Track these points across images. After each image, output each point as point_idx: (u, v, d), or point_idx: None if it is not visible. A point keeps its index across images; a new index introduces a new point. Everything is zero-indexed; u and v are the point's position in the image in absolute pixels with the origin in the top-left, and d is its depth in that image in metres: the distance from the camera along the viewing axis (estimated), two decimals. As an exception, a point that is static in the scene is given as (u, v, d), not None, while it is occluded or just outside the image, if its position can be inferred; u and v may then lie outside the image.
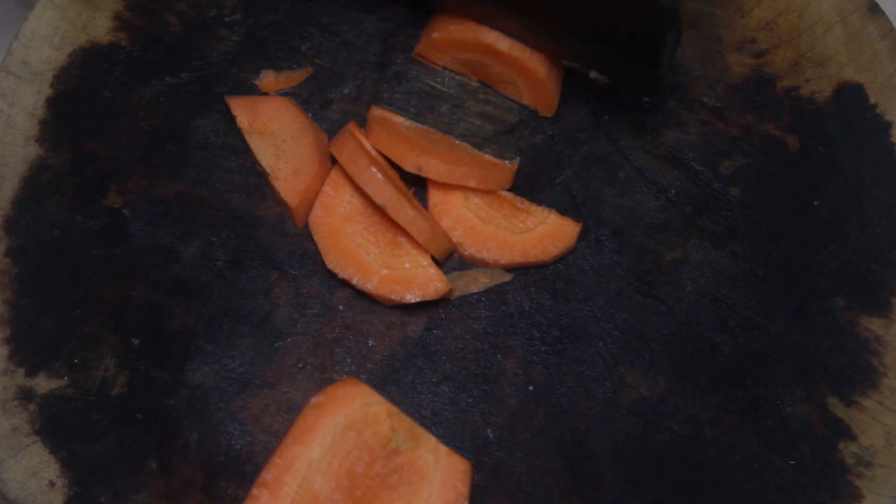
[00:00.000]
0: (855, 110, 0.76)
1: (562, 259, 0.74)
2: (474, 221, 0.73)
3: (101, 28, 0.78)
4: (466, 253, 0.73)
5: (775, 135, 0.77)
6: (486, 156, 0.75)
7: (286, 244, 0.74)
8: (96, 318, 0.71)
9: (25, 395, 0.68)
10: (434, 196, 0.74)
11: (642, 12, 0.66)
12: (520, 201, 0.75)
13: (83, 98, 0.76)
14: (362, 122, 0.77)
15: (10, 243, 0.72)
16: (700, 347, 0.71)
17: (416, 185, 0.75)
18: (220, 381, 0.70)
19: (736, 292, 0.73)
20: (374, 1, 0.81)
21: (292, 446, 0.64)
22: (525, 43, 0.75)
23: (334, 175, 0.74)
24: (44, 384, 0.68)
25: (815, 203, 0.75)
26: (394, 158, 0.73)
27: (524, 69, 0.75)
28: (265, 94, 0.78)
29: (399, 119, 0.76)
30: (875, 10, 0.77)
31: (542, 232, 0.73)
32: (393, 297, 0.70)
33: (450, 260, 0.74)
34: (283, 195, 0.73)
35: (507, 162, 0.76)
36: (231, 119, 0.76)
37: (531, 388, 0.70)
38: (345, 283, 0.72)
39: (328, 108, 0.78)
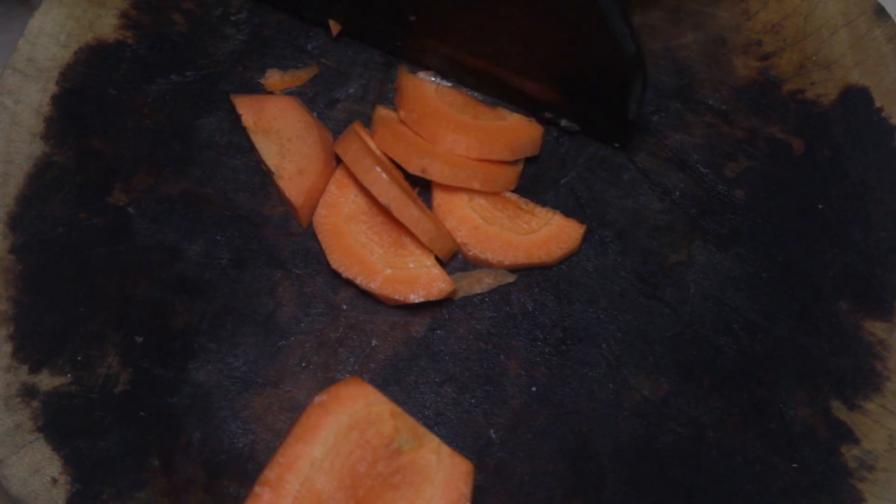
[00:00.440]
0: (860, 114, 0.76)
1: (566, 260, 0.74)
2: (478, 222, 0.73)
3: (107, 26, 0.78)
4: (470, 253, 0.73)
5: (780, 138, 0.77)
6: (492, 157, 0.75)
7: (290, 243, 0.74)
8: (100, 316, 0.71)
9: (28, 392, 0.68)
10: (438, 196, 0.74)
11: (608, 62, 0.67)
12: (524, 202, 0.75)
13: (89, 96, 0.76)
14: (367, 122, 0.77)
15: (15, 240, 0.72)
16: (703, 350, 0.71)
17: (421, 186, 0.75)
18: (223, 379, 0.70)
19: (740, 295, 0.73)
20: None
21: (295, 445, 0.64)
22: (497, 96, 0.77)
23: (339, 174, 0.74)
24: (47, 381, 0.68)
25: (820, 206, 0.75)
26: (398, 160, 0.73)
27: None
28: (270, 93, 0.78)
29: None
30: (881, 14, 0.77)
31: (546, 233, 0.73)
32: (397, 297, 0.70)
33: (454, 260, 0.74)
34: (287, 194, 0.73)
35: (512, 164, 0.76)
36: (236, 118, 0.76)
37: (534, 389, 0.70)
38: (348, 283, 0.72)
39: (333, 108, 0.78)
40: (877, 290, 0.72)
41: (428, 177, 0.72)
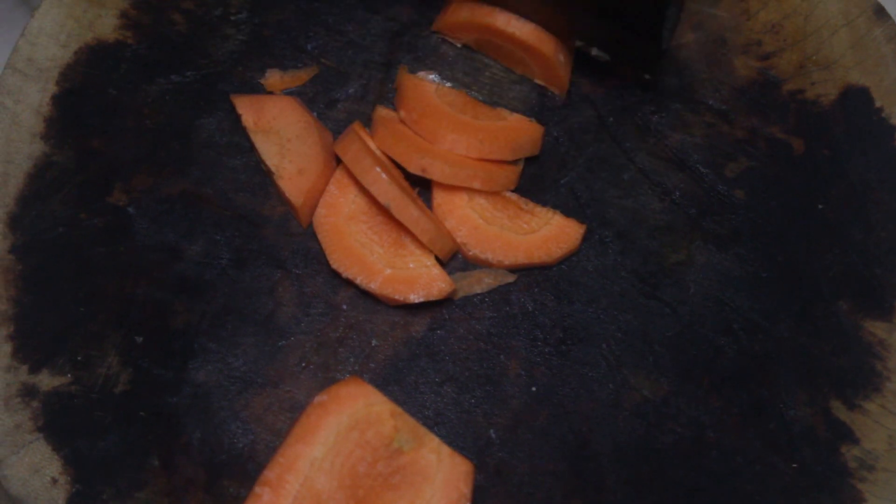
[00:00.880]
0: (860, 114, 0.76)
1: (566, 260, 0.74)
2: (478, 222, 0.73)
3: (107, 26, 0.78)
4: (470, 253, 0.73)
5: (780, 138, 0.77)
6: (492, 155, 0.75)
7: (290, 243, 0.74)
8: (100, 316, 0.71)
9: (28, 392, 0.68)
10: (438, 196, 0.74)
11: None
12: (524, 202, 0.75)
13: (89, 96, 0.76)
14: (367, 122, 0.77)
15: (15, 240, 0.72)
16: (703, 350, 0.71)
17: (421, 186, 0.75)
18: (223, 379, 0.70)
19: (740, 295, 0.73)
20: (381, 1, 0.81)
21: (295, 445, 0.64)
22: (531, 19, 0.76)
23: (339, 174, 0.74)
24: (47, 381, 0.68)
25: (820, 206, 0.75)
26: (398, 160, 0.73)
27: (533, 50, 0.76)
28: (270, 93, 0.78)
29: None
30: (881, 14, 0.77)
31: (547, 233, 0.73)
32: (396, 297, 0.70)
33: (454, 260, 0.74)
34: (287, 194, 0.73)
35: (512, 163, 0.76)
36: (236, 118, 0.76)
37: (534, 389, 0.70)
38: (348, 283, 0.72)
39: (333, 108, 0.78)
40: (877, 290, 0.72)
41: (428, 176, 0.72)
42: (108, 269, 0.72)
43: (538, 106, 0.78)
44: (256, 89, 0.78)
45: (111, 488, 0.66)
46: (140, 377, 0.69)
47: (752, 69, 0.79)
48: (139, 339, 0.70)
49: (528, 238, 0.73)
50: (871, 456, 0.68)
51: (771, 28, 0.80)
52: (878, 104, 0.77)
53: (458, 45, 0.80)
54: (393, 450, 0.65)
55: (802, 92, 0.78)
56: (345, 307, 0.72)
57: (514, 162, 0.76)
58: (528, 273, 0.73)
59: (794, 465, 0.68)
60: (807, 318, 0.72)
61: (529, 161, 0.77)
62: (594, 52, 0.76)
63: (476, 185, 0.73)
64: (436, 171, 0.72)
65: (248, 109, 0.76)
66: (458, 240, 0.73)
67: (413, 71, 0.78)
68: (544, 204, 0.75)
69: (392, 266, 0.71)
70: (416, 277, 0.71)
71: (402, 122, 0.75)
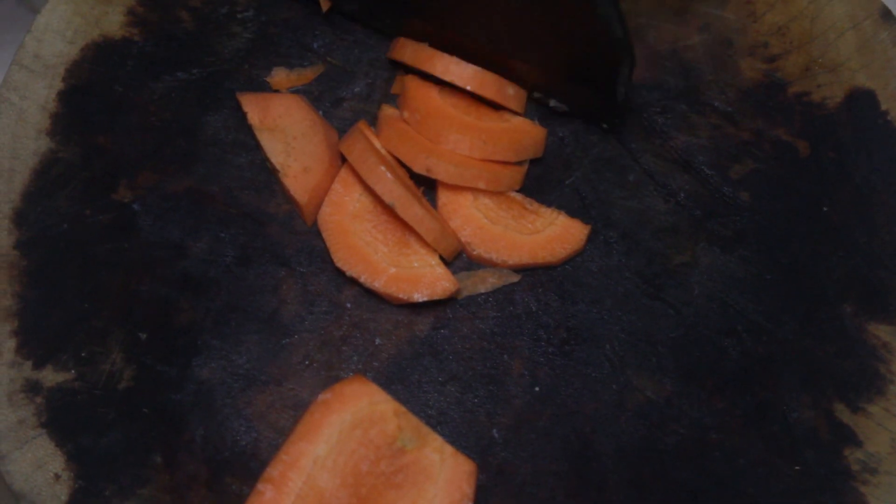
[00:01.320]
0: (866, 116, 0.76)
1: (570, 261, 0.74)
2: (483, 222, 0.73)
3: (113, 23, 0.78)
4: (475, 253, 0.73)
5: (786, 140, 0.77)
6: (497, 156, 0.75)
7: (295, 241, 0.74)
8: (104, 312, 0.71)
9: (32, 388, 0.68)
10: (443, 196, 0.74)
11: (596, 44, 0.67)
12: (529, 202, 0.75)
13: (95, 92, 0.76)
14: (373, 121, 0.77)
15: (20, 236, 0.72)
16: (707, 351, 0.71)
17: (426, 185, 0.75)
18: (226, 376, 0.70)
19: (744, 297, 0.73)
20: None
21: (298, 443, 0.64)
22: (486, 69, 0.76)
23: (344, 173, 0.74)
24: (51, 377, 0.69)
25: (825, 209, 0.75)
26: (403, 159, 0.73)
27: (477, 93, 0.76)
28: (276, 91, 0.78)
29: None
30: (888, 17, 0.77)
31: (551, 233, 0.73)
32: (401, 295, 0.70)
33: (458, 260, 0.74)
34: (292, 192, 0.73)
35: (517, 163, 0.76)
36: (242, 116, 0.76)
37: (537, 389, 0.70)
38: (353, 282, 0.72)
39: (339, 107, 0.78)
40: (881, 293, 0.72)
41: (433, 176, 0.72)
42: (113, 265, 0.72)
43: (541, 106, 0.78)
44: (262, 87, 0.78)
45: (114, 484, 0.67)
46: (144, 374, 0.69)
47: (758, 71, 0.79)
48: (143, 336, 0.70)
49: (533, 238, 0.73)
50: (874, 459, 0.68)
51: (777, 30, 0.79)
52: (883, 107, 0.76)
53: None
54: (396, 449, 0.65)
55: (808, 94, 0.78)
56: (349, 305, 0.72)
57: (519, 162, 0.75)
58: (533, 273, 0.73)
59: (797, 468, 0.68)
60: (811, 320, 0.72)
61: (534, 161, 0.77)
62: (552, 103, 0.77)
63: (481, 185, 0.73)
64: (441, 171, 0.72)
65: (253, 107, 0.76)
66: (463, 239, 0.73)
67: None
68: (549, 204, 0.75)
69: (396, 265, 0.71)
70: (421, 276, 0.71)
71: (406, 122, 0.75)
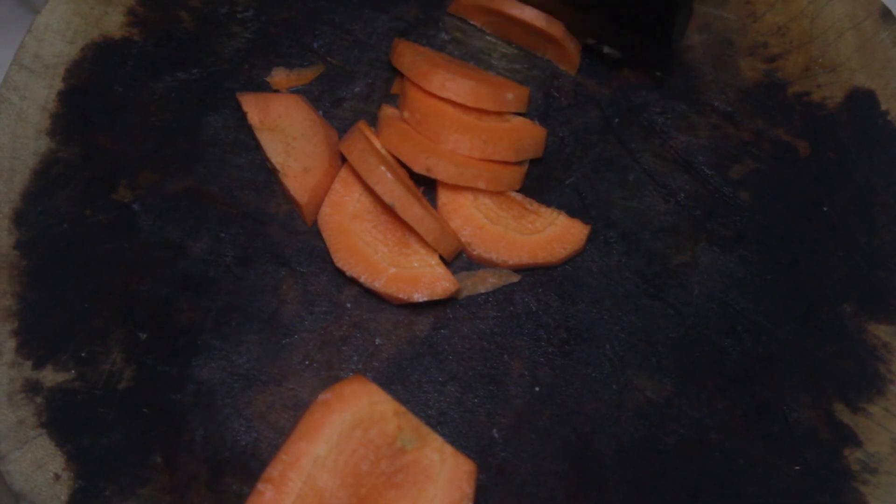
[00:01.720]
0: (866, 117, 0.76)
1: (570, 261, 0.74)
2: (483, 222, 0.73)
3: (113, 23, 0.78)
4: (475, 253, 0.73)
5: (786, 140, 0.77)
6: (496, 155, 0.75)
7: (295, 241, 0.74)
8: (104, 312, 0.71)
9: (32, 388, 0.68)
10: (443, 196, 0.74)
11: None
12: (529, 202, 0.75)
13: (95, 92, 0.76)
14: (373, 121, 0.77)
15: (20, 236, 0.72)
16: (707, 351, 0.71)
17: (426, 185, 0.75)
18: (226, 376, 0.70)
19: (744, 297, 0.73)
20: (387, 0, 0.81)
21: (298, 443, 0.64)
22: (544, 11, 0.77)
23: (344, 173, 0.74)
24: (51, 377, 0.69)
25: (825, 209, 0.75)
26: (403, 159, 0.73)
27: (543, 33, 0.77)
28: (276, 91, 0.78)
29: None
30: (888, 17, 0.77)
31: (551, 233, 0.73)
32: (401, 295, 0.70)
33: (458, 260, 0.74)
34: (292, 192, 0.73)
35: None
36: (242, 116, 0.76)
37: (537, 389, 0.70)
38: (353, 282, 0.72)
39: (339, 106, 0.78)
40: (881, 294, 0.72)
41: (433, 176, 0.72)
42: (113, 265, 0.72)
43: (543, 106, 0.78)
44: (262, 87, 0.78)
45: (114, 485, 0.66)
46: (144, 374, 0.69)
47: (759, 71, 0.79)
48: (143, 336, 0.70)
49: (533, 238, 0.73)
50: (874, 459, 0.68)
51: (777, 30, 0.80)
52: (883, 107, 0.76)
53: (469, 40, 0.80)
54: (396, 448, 0.65)
55: (808, 94, 0.78)
56: (349, 305, 0.72)
57: (520, 162, 0.76)
58: (533, 273, 0.73)
59: (797, 468, 0.68)
60: (811, 320, 0.72)
61: (534, 161, 0.77)
62: (606, 49, 0.77)
63: (481, 184, 0.73)
64: (441, 171, 0.72)
65: (253, 107, 0.76)
66: (463, 239, 0.73)
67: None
68: (549, 204, 0.75)
69: (396, 265, 0.71)
70: (421, 276, 0.71)
71: (406, 122, 0.75)
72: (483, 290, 0.73)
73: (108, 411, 0.68)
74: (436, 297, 0.70)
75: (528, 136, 0.75)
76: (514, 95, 0.76)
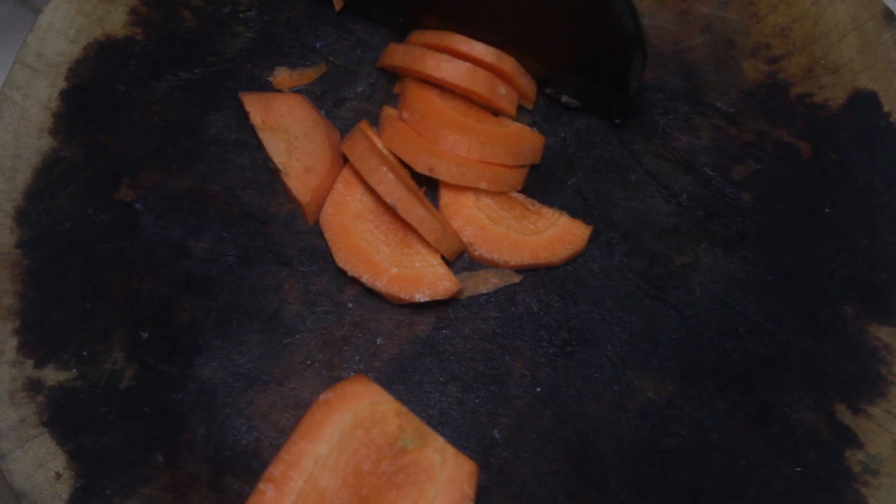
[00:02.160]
0: (868, 118, 0.76)
1: (572, 261, 0.74)
2: (485, 222, 0.73)
3: (116, 22, 0.78)
4: (477, 253, 0.73)
5: (788, 141, 0.77)
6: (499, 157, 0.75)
7: (297, 241, 0.74)
8: (106, 311, 0.71)
9: (34, 387, 0.68)
10: (445, 196, 0.74)
11: (607, 38, 0.68)
12: (531, 203, 0.75)
13: (97, 91, 0.76)
14: (375, 121, 0.77)
15: (22, 235, 0.72)
16: (708, 352, 0.71)
17: (427, 185, 0.75)
18: (227, 376, 0.70)
19: (745, 298, 0.73)
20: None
21: (299, 442, 0.64)
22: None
23: (346, 173, 0.74)
24: (52, 376, 0.69)
25: (827, 210, 0.75)
26: (405, 159, 0.73)
27: (469, 91, 0.75)
28: (279, 90, 0.78)
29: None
30: (891, 19, 0.77)
31: (553, 234, 0.73)
32: (402, 295, 0.70)
33: (460, 260, 0.74)
34: (294, 192, 0.73)
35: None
36: (244, 115, 0.76)
37: (538, 389, 0.70)
38: (354, 281, 0.72)
39: (341, 106, 0.78)
40: (883, 295, 0.72)
41: (435, 176, 0.72)
42: (115, 264, 0.72)
43: (545, 107, 0.78)
44: (265, 87, 0.78)
45: (115, 484, 0.67)
46: (145, 373, 0.69)
47: (761, 72, 0.79)
48: (144, 335, 0.70)
49: (535, 238, 0.73)
50: (875, 460, 0.68)
51: (780, 31, 0.79)
52: (886, 109, 0.76)
53: None
54: (397, 449, 0.65)
55: (810, 96, 0.78)
56: (350, 305, 0.72)
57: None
58: (534, 273, 0.73)
59: (798, 469, 0.68)
60: (812, 321, 0.72)
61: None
62: (564, 98, 0.77)
63: (483, 185, 0.73)
64: (443, 171, 0.72)
65: (256, 107, 0.76)
66: (465, 239, 0.73)
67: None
68: (551, 205, 0.75)
69: (398, 265, 0.71)
70: (422, 276, 0.71)
71: (405, 122, 0.75)
72: (485, 291, 0.73)
73: (109, 410, 0.68)
74: (437, 298, 0.70)
75: (526, 141, 0.75)
76: (506, 90, 0.76)
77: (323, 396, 0.66)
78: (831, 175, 0.76)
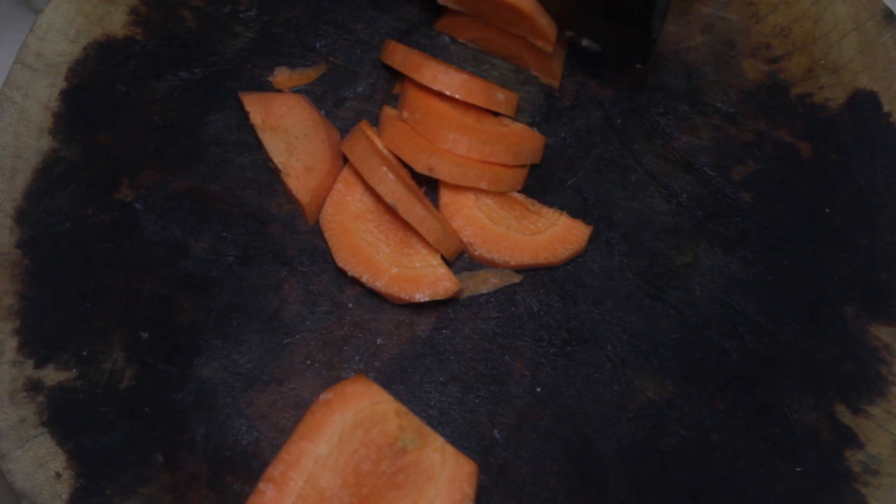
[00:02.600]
0: (868, 118, 0.76)
1: (572, 261, 0.74)
2: (485, 222, 0.73)
3: (116, 22, 0.78)
4: (477, 254, 0.73)
5: (788, 141, 0.77)
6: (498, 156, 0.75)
7: (297, 241, 0.74)
8: (106, 311, 0.71)
9: (34, 387, 0.68)
10: (445, 196, 0.74)
11: None
12: (531, 203, 0.75)
13: (97, 91, 0.76)
14: (375, 121, 0.77)
15: (22, 235, 0.72)
16: (708, 352, 0.71)
17: (428, 185, 0.75)
18: (227, 376, 0.70)
19: (745, 298, 0.73)
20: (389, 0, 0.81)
21: (300, 442, 0.64)
22: None
23: (346, 173, 0.74)
24: (52, 376, 0.69)
25: (827, 210, 0.75)
26: (405, 159, 0.73)
27: (515, 9, 0.74)
28: (279, 90, 0.78)
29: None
30: (891, 19, 0.77)
31: (553, 234, 0.73)
32: (402, 295, 0.70)
33: (460, 260, 0.74)
34: (294, 192, 0.73)
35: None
36: (244, 115, 0.76)
37: (538, 389, 0.70)
38: (354, 281, 0.72)
39: (341, 106, 0.78)
40: (883, 295, 0.72)
41: (435, 176, 0.72)
42: (115, 264, 0.72)
43: (545, 107, 0.78)
44: (265, 87, 0.78)
45: (115, 483, 0.67)
46: (145, 373, 0.69)
47: (761, 72, 0.79)
48: (145, 335, 0.70)
49: (535, 239, 0.73)
50: (875, 461, 0.68)
51: (780, 31, 0.79)
52: (886, 109, 0.76)
53: (469, 46, 0.80)
54: (397, 449, 0.65)
55: (811, 96, 0.78)
56: (350, 305, 0.72)
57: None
58: (534, 273, 0.73)
59: (798, 469, 0.68)
60: (812, 321, 0.72)
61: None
62: (585, 42, 0.76)
63: (483, 185, 0.73)
64: (443, 171, 0.72)
65: (256, 107, 0.76)
66: (465, 239, 0.73)
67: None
68: (551, 204, 0.75)
69: (398, 265, 0.71)
70: (422, 277, 0.71)
71: (404, 122, 0.75)
72: (485, 291, 0.73)
73: (109, 410, 0.68)
74: (437, 298, 0.70)
75: (526, 140, 0.75)
76: (504, 96, 0.75)
77: (323, 396, 0.66)
78: (831, 175, 0.76)
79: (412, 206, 0.70)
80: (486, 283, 0.73)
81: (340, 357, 0.71)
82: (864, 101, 0.77)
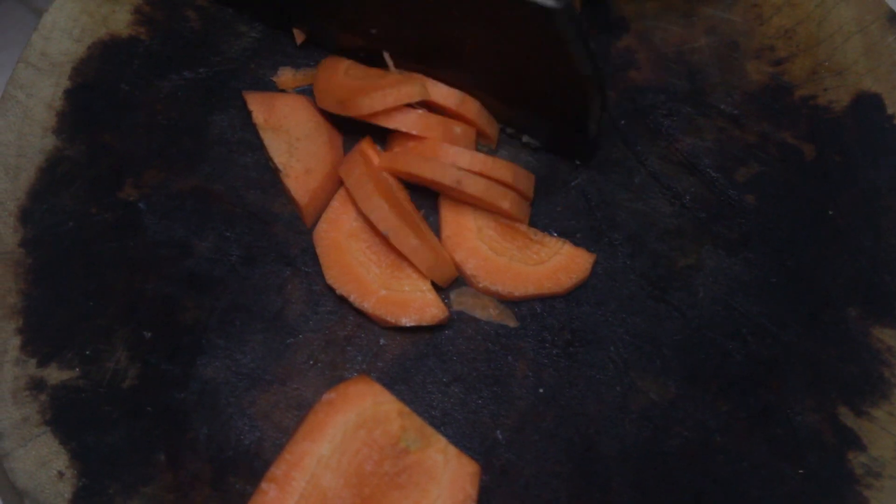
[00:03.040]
0: (872, 120, 0.76)
1: (574, 262, 0.74)
2: (488, 254, 0.72)
3: (120, 21, 0.78)
4: (480, 285, 0.72)
5: (792, 143, 0.77)
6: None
7: (300, 241, 0.74)
8: (109, 311, 0.71)
9: (36, 386, 0.68)
10: (447, 229, 0.73)
11: (566, 82, 0.67)
12: (533, 233, 0.74)
13: (101, 91, 0.76)
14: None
15: (25, 234, 0.72)
16: (711, 354, 0.71)
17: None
18: (230, 376, 0.70)
19: (749, 300, 0.72)
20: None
21: (302, 442, 0.64)
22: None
23: (343, 191, 0.73)
24: (55, 375, 0.69)
25: (830, 212, 0.75)
26: (429, 174, 0.71)
27: (456, 115, 0.74)
28: (283, 91, 0.78)
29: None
30: (895, 21, 0.77)
31: (556, 263, 0.73)
32: (388, 318, 0.70)
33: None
34: (293, 193, 0.73)
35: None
36: (248, 115, 0.76)
37: (541, 390, 0.70)
38: (356, 282, 0.72)
39: (345, 107, 0.78)
40: (886, 297, 0.72)
41: (463, 189, 0.70)
42: (118, 264, 0.72)
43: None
44: (269, 87, 0.78)
45: (117, 483, 0.67)
46: (148, 372, 0.69)
47: (765, 74, 0.79)
48: (148, 335, 0.70)
49: (538, 269, 0.72)
50: (878, 463, 0.68)
51: (784, 33, 0.79)
52: (890, 111, 0.76)
53: None
54: (400, 449, 0.65)
55: (814, 98, 0.78)
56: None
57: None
58: (537, 274, 0.73)
59: (801, 471, 0.68)
60: (815, 323, 0.72)
61: (540, 162, 0.77)
62: (525, 139, 0.76)
63: (505, 204, 0.71)
64: (470, 184, 0.70)
65: (259, 106, 0.76)
66: (468, 272, 0.71)
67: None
68: (554, 206, 0.75)
69: (387, 287, 0.71)
70: (411, 301, 0.70)
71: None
72: (480, 316, 0.72)
73: (112, 409, 0.68)
74: (424, 323, 0.70)
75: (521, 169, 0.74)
76: (461, 129, 0.74)
77: (326, 396, 0.66)
78: (835, 177, 0.76)
79: (405, 237, 0.69)
80: (485, 310, 0.72)
81: (343, 357, 0.71)
82: (868, 104, 0.77)
